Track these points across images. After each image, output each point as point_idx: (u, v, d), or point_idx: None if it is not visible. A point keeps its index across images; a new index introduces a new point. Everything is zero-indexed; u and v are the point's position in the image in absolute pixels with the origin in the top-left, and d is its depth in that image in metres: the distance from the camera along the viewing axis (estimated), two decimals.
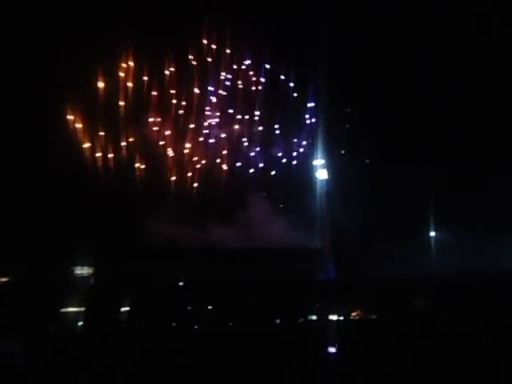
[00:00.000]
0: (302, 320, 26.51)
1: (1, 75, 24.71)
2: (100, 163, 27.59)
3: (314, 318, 26.54)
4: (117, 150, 28.12)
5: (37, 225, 25.45)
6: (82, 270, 26.14)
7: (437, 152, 26.52)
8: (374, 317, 26.84)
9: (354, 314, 27.41)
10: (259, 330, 23.68)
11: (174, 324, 25.01)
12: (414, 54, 26.48)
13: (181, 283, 26.46)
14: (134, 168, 28.40)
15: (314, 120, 28.01)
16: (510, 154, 26.04)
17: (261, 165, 29.35)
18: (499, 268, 25.56)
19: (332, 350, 19.69)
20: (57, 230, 25.26)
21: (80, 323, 24.19)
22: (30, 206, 25.27)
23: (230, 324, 25.35)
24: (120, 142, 28.20)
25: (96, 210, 26.40)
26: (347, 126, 27.71)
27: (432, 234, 27.93)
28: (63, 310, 24.66)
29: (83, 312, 24.66)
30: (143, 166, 28.65)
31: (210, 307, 26.27)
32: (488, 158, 26.21)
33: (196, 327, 25.11)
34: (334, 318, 25.71)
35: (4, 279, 25.54)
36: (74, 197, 26.15)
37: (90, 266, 26.23)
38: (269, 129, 29.29)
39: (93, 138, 27.87)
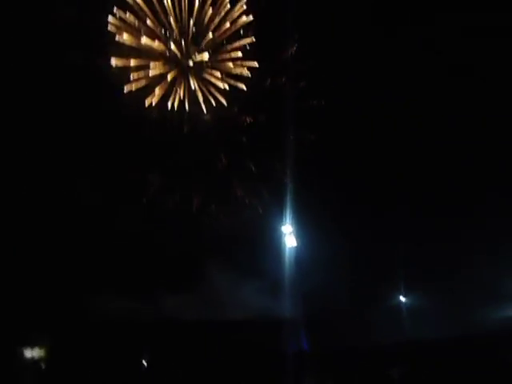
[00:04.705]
0: None
1: None
2: None
3: None
4: None
5: None
6: (33, 352, 23.59)
7: (407, 224, 26.23)
8: None
9: None
10: None
11: None
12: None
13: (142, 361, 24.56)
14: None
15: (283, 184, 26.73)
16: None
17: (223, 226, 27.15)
18: (470, 332, 25.51)
19: None
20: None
21: None
22: None
23: None
24: None
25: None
26: (318, 193, 26.71)
27: (402, 299, 27.54)
28: None
29: None
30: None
31: None
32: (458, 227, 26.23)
33: None
34: None
35: None
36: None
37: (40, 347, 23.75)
38: (233, 189, 27.52)
39: None
